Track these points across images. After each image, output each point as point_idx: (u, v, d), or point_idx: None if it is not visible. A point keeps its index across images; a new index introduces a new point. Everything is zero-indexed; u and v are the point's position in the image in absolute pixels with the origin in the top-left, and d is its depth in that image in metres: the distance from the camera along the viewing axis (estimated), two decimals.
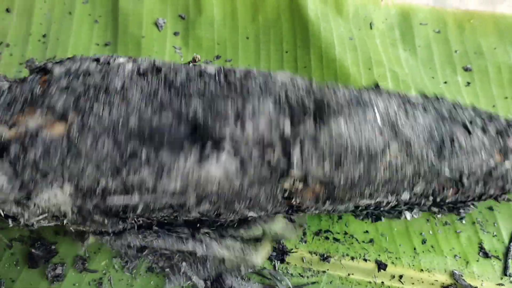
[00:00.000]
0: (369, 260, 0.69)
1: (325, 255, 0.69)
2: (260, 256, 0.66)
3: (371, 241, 0.71)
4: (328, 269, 0.69)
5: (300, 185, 0.55)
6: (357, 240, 0.71)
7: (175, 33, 0.90)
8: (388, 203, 0.63)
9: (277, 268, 0.67)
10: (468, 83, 0.89)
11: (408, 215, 0.74)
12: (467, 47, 0.92)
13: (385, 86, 0.85)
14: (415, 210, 0.74)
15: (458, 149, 0.61)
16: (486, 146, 0.63)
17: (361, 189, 0.57)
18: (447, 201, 0.67)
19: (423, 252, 0.71)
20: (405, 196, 0.62)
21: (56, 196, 0.50)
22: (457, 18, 0.94)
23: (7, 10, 0.89)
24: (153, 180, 0.50)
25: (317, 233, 0.71)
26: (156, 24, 0.90)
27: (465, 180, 0.62)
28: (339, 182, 0.55)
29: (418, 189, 0.61)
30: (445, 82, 0.89)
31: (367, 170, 0.56)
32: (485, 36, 0.93)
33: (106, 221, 0.54)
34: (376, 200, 0.61)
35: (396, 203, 0.64)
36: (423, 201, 0.66)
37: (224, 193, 0.52)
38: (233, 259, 0.64)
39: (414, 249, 0.71)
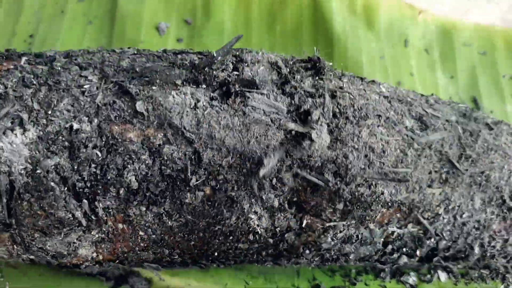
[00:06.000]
0: None
1: None
2: None
3: None
4: None
5: None
6: None
7: (179, 40, 0.79)
8: None
9: None
10: None
11: (443, 276, 0.61)
12: None
13: None
14: (454, 269, 0.61)
15: None
16: None
17: None
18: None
19: None
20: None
21: None
22: (507, 38, 0.80)
23: None
24: None
25: None
26: (157, 29, 0.79)
27: None
28: None
29: None
30: (491, 112, 0.75)
31: None
32: None
33: None
34: None
35: None
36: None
37: None
38: None
39: None
